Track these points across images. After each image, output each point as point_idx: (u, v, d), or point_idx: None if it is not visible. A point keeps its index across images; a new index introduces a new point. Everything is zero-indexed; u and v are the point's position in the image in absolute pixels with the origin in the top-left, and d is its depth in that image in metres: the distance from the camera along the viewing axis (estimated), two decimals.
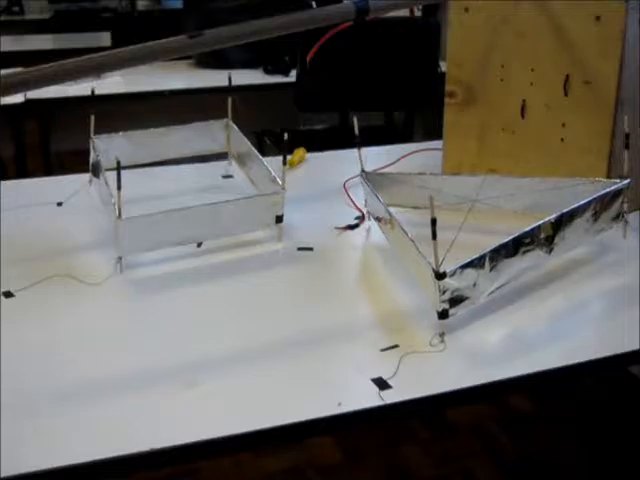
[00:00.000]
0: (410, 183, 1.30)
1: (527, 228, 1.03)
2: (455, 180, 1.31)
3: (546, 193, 1.22)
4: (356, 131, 1.27)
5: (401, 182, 1.31)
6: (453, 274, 0.95)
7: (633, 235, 1.21)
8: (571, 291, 1.09)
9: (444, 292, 0.95)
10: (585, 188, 1.17)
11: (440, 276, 0.94)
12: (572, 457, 2.02)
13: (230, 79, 1.53)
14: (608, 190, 1.14)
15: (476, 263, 0.97)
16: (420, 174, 1.32)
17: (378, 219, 1.23)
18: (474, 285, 0.97)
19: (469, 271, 0.96)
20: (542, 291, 1.08)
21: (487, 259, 0.98)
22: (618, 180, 1.17)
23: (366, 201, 1.30)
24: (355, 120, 1.26)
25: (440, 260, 0.93)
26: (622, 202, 1.16)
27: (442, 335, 0.96)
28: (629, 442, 2.04)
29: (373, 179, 1.27)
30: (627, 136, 1.17)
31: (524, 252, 1.03)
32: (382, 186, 1.27)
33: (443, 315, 0.96)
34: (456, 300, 0.97)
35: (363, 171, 1.28)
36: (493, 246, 0.99)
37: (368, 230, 1.30)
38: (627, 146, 1.16)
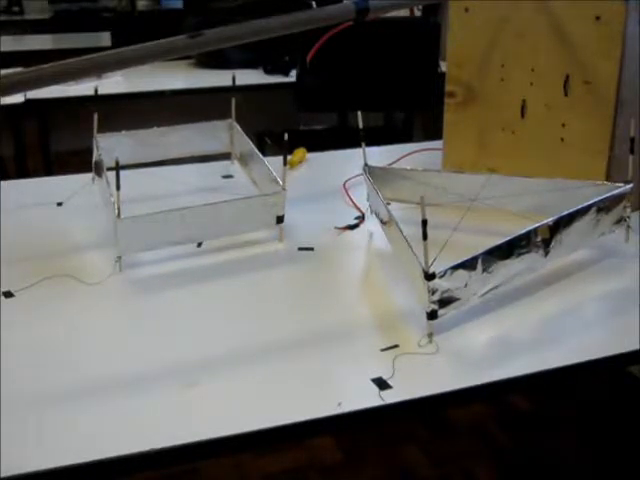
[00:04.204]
0: (413, 179, 1.29)
1: (523, 230, 1.02)
2: (459, 178, 1.30)
3: (550, 195, 1.21)
4: (360, 124, 1.25)
5: (404, 177, 1.30)
6: (443, 275, 0.94)
7: (634, 239, 1.20)
8: (570, 292, 1.09)
9: (433, 293, 0.94)
10: (588, 191, 1.16)
11: (429, 277, 0.93)
12: (572, 457, 2.02)
13: (234, 79, 1.53)
14: (610, 194, 1.13)
15: (467, 264, 0.96)
16: (424, 170, 1.31)
17: (377, 215, 1.23)
18: (465, 286, 0.96)
19: (460, 272, 0.95)
20: (541, 292, 1.08)
21: (479, 261, 0.97)
22: (622, 184, 1.15)
23: (368, 195, 1.29)
24: (359, 114, 1.25)
25: (432, 260, 0.93)
26: (624, 206, 1.15)
27: (430, 336, 0.96)
28: (629, 442, 2.04)
29: (376, 173, 1.26)
30: (632, 140, 1.15)
31: (519, 254, 1.02)
32: (385, 181, 1.26)
33: (432, 316, 0.95)
34: (446, 301, 0.96)
35: (366, 165, 1.28)
36: (487, 248, 0.98)
37: (368, 230, 1.29)
38: (632, 150, 1.15)
